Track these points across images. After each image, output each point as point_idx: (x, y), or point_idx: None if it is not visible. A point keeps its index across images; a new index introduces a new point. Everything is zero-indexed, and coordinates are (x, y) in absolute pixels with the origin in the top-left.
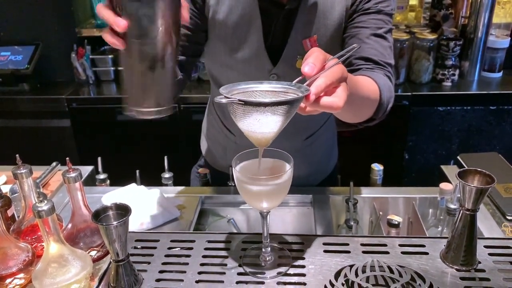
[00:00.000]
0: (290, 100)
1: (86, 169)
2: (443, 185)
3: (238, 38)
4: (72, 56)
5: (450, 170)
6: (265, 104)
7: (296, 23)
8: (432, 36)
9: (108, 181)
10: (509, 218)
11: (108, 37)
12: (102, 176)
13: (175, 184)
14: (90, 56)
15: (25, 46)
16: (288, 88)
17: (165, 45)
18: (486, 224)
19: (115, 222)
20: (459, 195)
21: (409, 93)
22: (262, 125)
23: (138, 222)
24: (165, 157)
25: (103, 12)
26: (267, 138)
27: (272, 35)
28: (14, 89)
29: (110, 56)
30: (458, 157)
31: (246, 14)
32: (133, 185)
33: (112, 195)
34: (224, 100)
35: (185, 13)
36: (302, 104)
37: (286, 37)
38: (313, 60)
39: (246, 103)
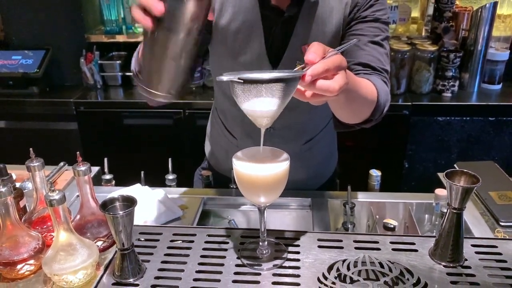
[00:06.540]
0: (286, 78)
1: (93, 170)
2: (438, 191)
3: (239, 43)
4: (81, 61)
5: None
6: (262, 81)
7: (295, 30)
8: (433, 48)
9: (113, 182)
10: (502, 224)
11: (139, 13)
12: (107, 176)
13: (179, 185)
14: (99, 62)
15: (35, 51)
16: (288, 74)
17: (190, 42)
18: (480, 229)
19: (121, 212)
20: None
21: (410, 103)
22: (262, 103)
23: (141, 220)
24: (170, 159)
25: None
26: (267, 116)
27: (272, 41)
28: (24, 92)
29: (118, 62)
30: (455, 165)
31: (248, 21)
32: (137, 185)
33: (117, 194)
34: (225, 78)
35: (211, 14)
36: (302, 88)
37: (286, 43)
38: (314, 49)
39: (245, 81)
